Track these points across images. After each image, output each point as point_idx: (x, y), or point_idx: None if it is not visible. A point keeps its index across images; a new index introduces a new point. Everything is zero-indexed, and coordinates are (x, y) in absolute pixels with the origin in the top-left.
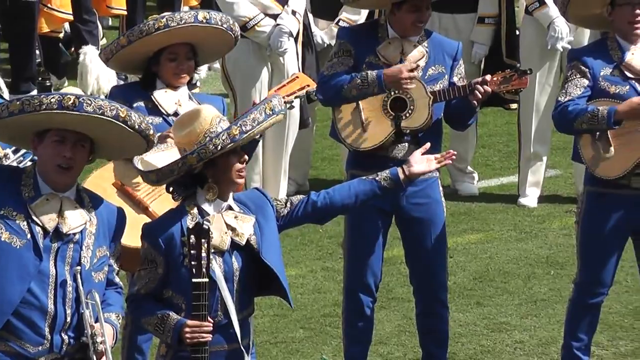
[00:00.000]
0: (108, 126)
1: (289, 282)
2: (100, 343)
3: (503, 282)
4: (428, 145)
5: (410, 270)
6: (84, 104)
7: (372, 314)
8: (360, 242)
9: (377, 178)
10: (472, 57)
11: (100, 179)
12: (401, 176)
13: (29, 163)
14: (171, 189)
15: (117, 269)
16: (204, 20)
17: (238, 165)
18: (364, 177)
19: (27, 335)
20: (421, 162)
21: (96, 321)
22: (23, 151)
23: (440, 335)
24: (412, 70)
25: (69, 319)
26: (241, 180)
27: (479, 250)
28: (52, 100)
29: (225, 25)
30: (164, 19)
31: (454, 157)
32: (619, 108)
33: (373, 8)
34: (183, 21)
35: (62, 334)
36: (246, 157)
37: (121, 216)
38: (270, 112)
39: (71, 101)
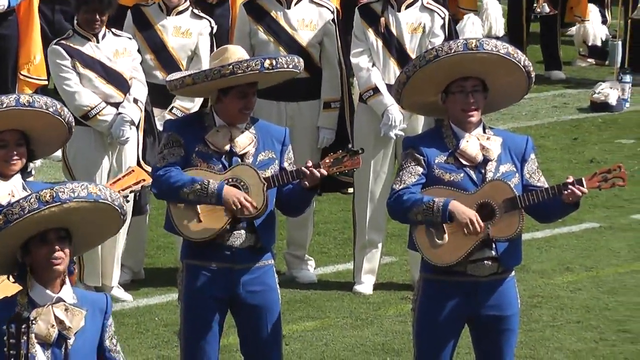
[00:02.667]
0: None
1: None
2: None
3: None
4: None
5: (245, 358)
6: None
7: None
8: (196, 331)
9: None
10: (319, 142)
11: None
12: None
13: None
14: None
15: None
16: (27, 104)
17: (48, 252)
18: None
19: None
20: None
21: None
22: None
23: None
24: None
25: None
26: (58, 267)
27: (314, 338)
28: None
29: (51, 109)
30: None
31: None
32: (453, 207)
33: (199, 97)
34: (4, 105)
35: None
36: (60, 243)
37: None
38: (50, 201)
39: None
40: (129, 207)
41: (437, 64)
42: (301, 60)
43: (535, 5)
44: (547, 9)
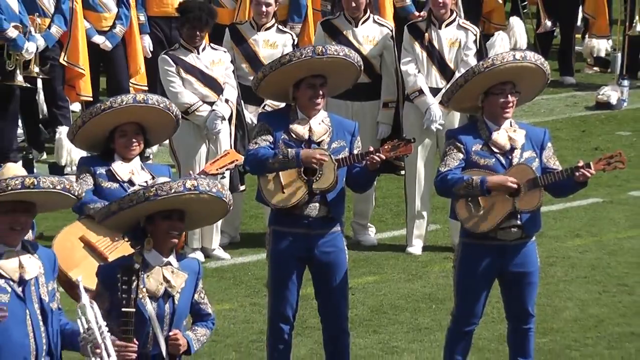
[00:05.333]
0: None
1: (224, 314)
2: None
3: (394, 314)
4: None
5: (319, 305)
6: (41, 182)
7: (289, 340)
8: (280, 283)
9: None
10: (378, 135)
11: (69, 234)
12: None
13: None
14: (126, 238)
15: None
16: (142, 101)
17: (169, 227)
18: None
19: None
20: None
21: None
22: None
23: (343, 356)
24: (322, 154)
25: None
26: (174, 240)
27: (375, 289)
28: (16, 182)
29: (162, 105)
30: (109, 102)
31: None
32: (490, 181)
33: (279, 100)
34: (124, 102)
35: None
36: (179, 224)
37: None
38: (192, 189)
39: (30, 181)
40: (225, 182)
41: (492, 71)
42: (352, 51)
43: (540, 24)
44: (549, 25)
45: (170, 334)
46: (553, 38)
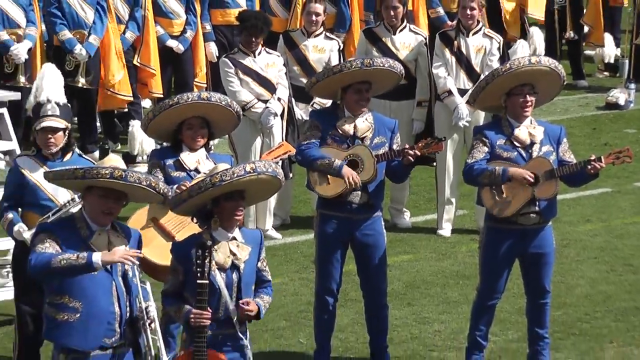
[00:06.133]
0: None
1: (276, 288)
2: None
3: (426, 289)
4: None
5: (360, 280)
6: (128, 176)
7: (334, 311)
8: (326, 261)
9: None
10: (413, 130)
11: (141, 216)
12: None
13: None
14: (195, 220)
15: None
16: (205, 98)
17: (233, 207)
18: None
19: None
20: None
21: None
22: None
23: (381, 326)
24: (355, 179)
25: (126, 314)
26: (238, 218)
27: (409, 267)
28: (106, 172)
29: (223, 103)
30: (176, 98)
31: None
32: (510, 172)
33: (328, 98)
34: (190, 99)
35: (124, 325)
36: (242, 202)
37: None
38: (251, 171)
39: (118, 174)
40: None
41: (510, 74)
42: (395, 62)
43: (564, 33)
44: (571, 34)
45: (242, 301)
46: (581, 46)
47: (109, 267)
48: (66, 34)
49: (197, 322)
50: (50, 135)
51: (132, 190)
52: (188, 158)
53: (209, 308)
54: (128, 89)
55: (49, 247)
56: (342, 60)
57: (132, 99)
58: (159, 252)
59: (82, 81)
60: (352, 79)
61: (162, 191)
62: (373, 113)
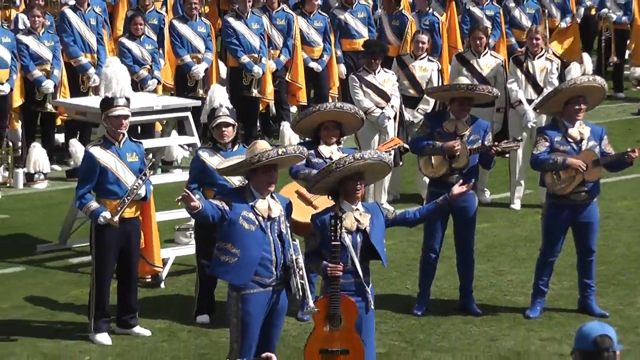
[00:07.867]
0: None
1: (388, 247)
2: (299, 270)
3: (502, 249)
4: (465, 187)
5: (455, 240)
6: (288, 151)
7: (434, 264)
8: (431, 225)
9: (436, 201)
10: (494, 130)
11: (290, 188)
12: (448, 198)
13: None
14: (330, 197)
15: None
16: (339, 107)
17: (354, 186)
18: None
19: (263, 272)
20: (457, 189)
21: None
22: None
23: (469, 276)
24: (459, 145)
25: (281, 261)
26: (358, 194)
27: (488, 232)
28: (273, 152)
29: (352, 111)
30: (317, 106)
31: (471, 185)
32: (568, 161)
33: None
34: (327, 107)
35: (279, 270)
36: (361, 182)
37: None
38: (359, 158)
39: (277, 152)
40: (390, 159)
41: (573, 87)
42: (494, 88)
43: (609, 58)
44: (615, 59)
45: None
46: (622, 69)
47: (265, 226)
48: (246, 58)
49: (332, 273)
50: (224, 129)
51: (286, 160)
52: (324, 149)
53: (340, 262)
54: (304, 97)
55: (218, 203)
56: (441, 78)
57: (305, 104)
58: (302, 213)
59: (254, 92)
60: (455, 95)
61: (305, 154)
62: (473, 117)
